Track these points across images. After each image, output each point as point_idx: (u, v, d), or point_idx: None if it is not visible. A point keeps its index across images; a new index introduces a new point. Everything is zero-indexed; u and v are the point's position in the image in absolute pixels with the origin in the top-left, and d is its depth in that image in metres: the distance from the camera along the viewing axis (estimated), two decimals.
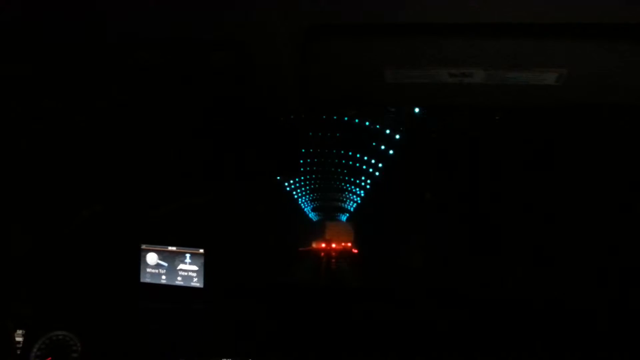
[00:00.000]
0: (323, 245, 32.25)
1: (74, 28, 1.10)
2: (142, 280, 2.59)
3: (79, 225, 2.36)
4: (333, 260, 24.81)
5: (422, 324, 2.39)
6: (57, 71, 1.34)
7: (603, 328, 2.27)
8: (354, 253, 28.04)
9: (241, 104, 1.56)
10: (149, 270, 2.59)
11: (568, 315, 2.41)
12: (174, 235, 2.63)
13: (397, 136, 15.21)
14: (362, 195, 29.04)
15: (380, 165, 19.49)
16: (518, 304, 2.58)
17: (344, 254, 28.17)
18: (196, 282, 2.56)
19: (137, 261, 2.58)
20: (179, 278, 2.58)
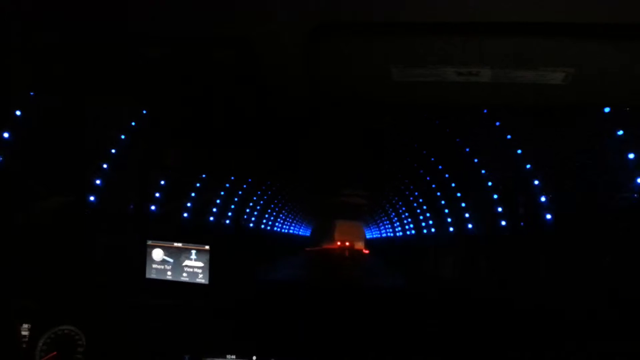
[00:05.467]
0: (338, 243, 31.52)
1: (82, 27, 1.10)
2: (147, 276, 2.59)
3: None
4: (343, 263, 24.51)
5: (423, 323, 2.39)
6: (65, 69, 1.35)
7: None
8: (365, 254, 27.79)
9: (248, 102, 1.56)
10: (154, 266, 2.60)
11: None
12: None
13: None
14: None
15: None
16: (519, 305, 2.57)
17: (355, 254, 27.82)
18: (201, 279, 2.56)
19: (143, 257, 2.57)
20: (184, 274, 2.58)
